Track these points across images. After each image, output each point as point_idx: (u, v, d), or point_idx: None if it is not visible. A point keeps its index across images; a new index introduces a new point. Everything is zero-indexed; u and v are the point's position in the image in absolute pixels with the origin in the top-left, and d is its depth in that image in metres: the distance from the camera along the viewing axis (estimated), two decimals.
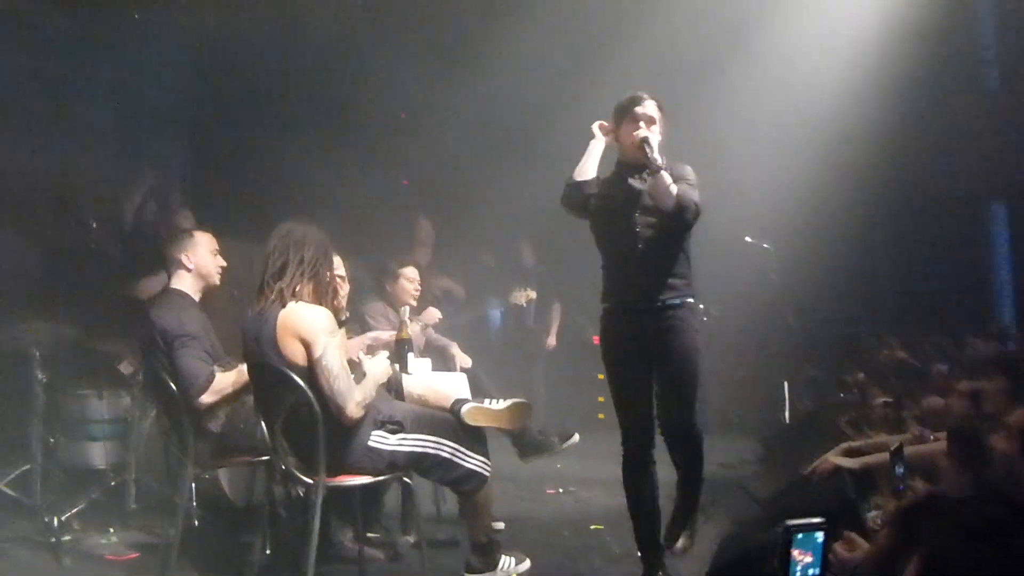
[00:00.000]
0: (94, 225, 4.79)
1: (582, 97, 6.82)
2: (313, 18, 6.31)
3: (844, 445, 3.70)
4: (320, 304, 3.12)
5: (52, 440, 4.44)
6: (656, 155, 3.19)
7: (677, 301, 3.29)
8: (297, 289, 3.08)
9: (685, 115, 6.70)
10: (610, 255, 3.38)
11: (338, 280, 3.51)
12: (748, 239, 6.37)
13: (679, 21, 6.23)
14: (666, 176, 3.17)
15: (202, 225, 4.01)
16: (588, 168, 3.41)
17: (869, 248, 7.41)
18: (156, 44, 6.02)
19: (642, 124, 3.29)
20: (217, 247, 3.87)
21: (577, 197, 3.38)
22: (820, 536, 2.01)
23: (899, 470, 2.90)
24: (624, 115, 3.36)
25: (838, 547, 2.63)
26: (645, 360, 3.33)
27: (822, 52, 6.47)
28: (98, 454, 4.53)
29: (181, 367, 3.51)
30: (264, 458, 3.38)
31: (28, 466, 4.37)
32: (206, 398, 3.48)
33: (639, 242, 3.27)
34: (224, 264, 3.88)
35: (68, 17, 5.61)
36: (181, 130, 6.51)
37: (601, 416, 7.43)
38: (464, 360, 4.68)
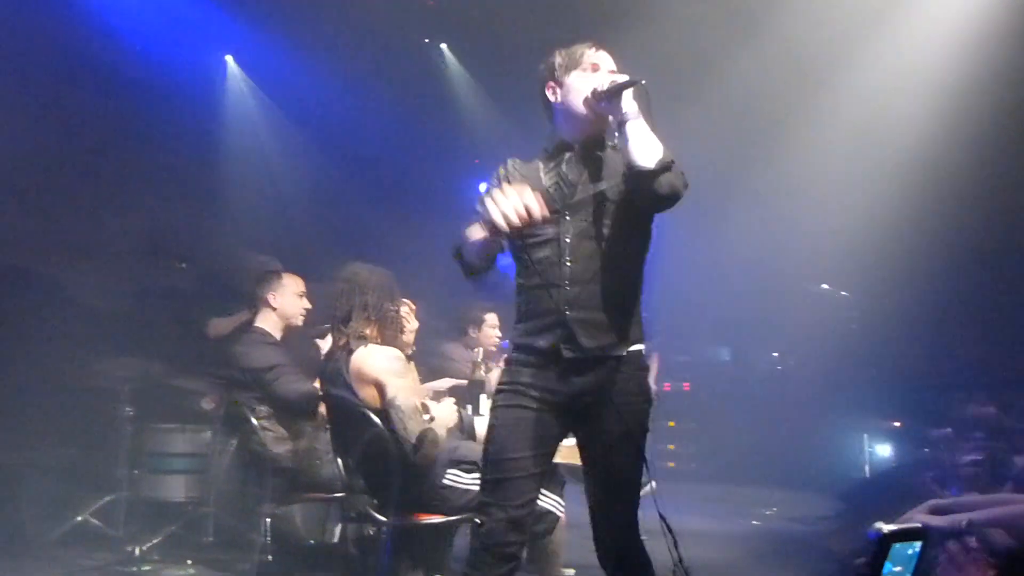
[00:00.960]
0: (183, 266, 4.98)
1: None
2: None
3: (931, 502, 3.55)
4: (389, 344, 3.16)
5: (136, 472, 4.58)
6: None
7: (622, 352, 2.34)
8: (365, 331, 3.13)
9: (762, 160, 6.71)
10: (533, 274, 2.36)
11: (404, 319, 3.55)
12: (825, 286, 6.24)
13: (757, 67, 6.21)
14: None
15: (288, 267, 4.11)
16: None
17: (956, 296, 7.13)
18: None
19: (601, 71, 2.39)
20: (303, 289, 3.98)
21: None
22: (917, 547, 1.82)
23: (971, 542, 2.75)
24: (573, 67, 2.40)
25: None
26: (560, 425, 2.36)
27: (900, 94, 6.34)
28: (178, 487, 4.66)
29: (284, 393, 3.61)
30: (338, 495, 3.42)
31: (112, 497, 4.52)
32: (321, 410, 3.53)
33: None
34: (309, 307, 3.99)
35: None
36: (263, 177, 6.74)
37: (671, 464, 7.33)
38: None
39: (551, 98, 2.42)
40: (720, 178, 7.30)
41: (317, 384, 3.60)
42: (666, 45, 6.12)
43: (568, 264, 2.30)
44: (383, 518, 3.09)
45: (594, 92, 2.32)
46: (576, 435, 2.40)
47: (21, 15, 4.87)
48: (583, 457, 2.41)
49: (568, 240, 2.32)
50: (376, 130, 6.59)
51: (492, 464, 2.31)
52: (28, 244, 4.90)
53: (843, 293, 6.18)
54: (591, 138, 2.41)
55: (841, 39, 6.08)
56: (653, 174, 2.21)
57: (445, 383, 4.02)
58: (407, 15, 6.33)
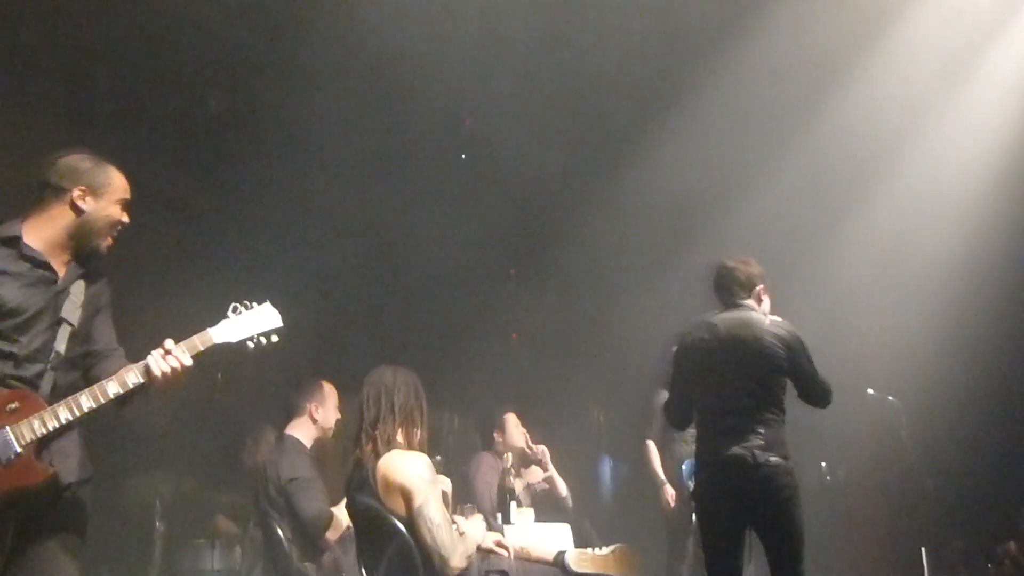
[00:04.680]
0: (220, 377, 5.02)
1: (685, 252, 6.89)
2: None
3: None
4: (415, 449, 3.10)
5: None
6: None
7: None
8: (391, 436, 3.08)
9: (806, 263, 6.67)
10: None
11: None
12: (870, 391, 6.02)
13: (803, 166, 6.25)
14: None
15: (328, 378, 4.11)
16: None
17: (1014, 401, 6.82)
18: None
19: None
20: (339, 401, 3.98)
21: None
22: None
23: None
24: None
25: None
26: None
27: (950, 194, 6.30)
28: None
29: (301, 507, 3.55)
30: None
31: None
32: (331, 534, 3.48)
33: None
34: (340, 417, 3.98)
35: (208, 194, 6.14)
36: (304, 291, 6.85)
37: None
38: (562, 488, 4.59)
39: None
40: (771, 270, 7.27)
41: (341, 505, 3.54)
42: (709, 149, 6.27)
43: None
44: None
45: None
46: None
47: None
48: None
49: None
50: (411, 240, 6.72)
51: None
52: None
53: (890, 399, 5.93)
54: None
55: (892, 131, 6.13)
56: None
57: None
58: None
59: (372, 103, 5.88)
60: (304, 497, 3.58)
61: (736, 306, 3.50)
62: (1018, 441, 6.84)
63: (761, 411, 3.29)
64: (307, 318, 6.72)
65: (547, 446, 5.51)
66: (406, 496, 2.97)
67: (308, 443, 3.88)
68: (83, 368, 2.49)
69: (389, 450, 3.04)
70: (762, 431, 3.26)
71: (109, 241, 2.56)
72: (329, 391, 3.97)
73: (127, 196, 2.60)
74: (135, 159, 5.47)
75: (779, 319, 3.52)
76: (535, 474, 4.74)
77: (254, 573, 4.50)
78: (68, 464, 2.34)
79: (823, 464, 8.48)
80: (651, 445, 5.53)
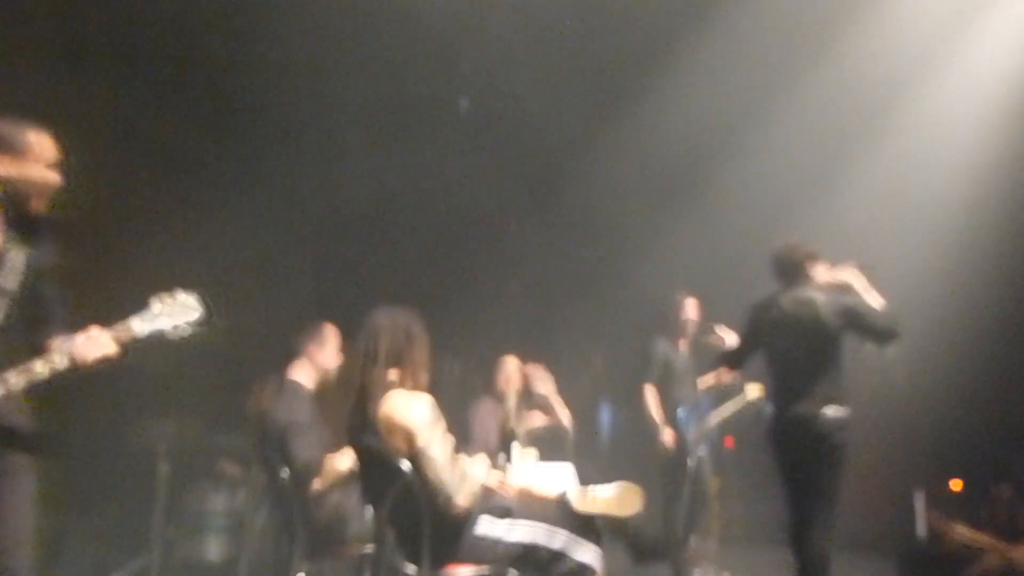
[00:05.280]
0: (222, 324, 5.01)
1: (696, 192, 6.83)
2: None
3: None
4: (417, 390, 3.10)
5: (170, 531, 4.55)
6: None
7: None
8: (383, 379, 3.08)
9: (811, 216, 6.64)
10: None
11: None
12: None
13: (820, 94, 6.19)
14: None
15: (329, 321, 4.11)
16: None
17: (1011, 345, 6.83)
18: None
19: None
20: (340, 344, 3.99)
21: None
22: None
23: None
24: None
25: None
26: None
27: (958, 137, 6.24)
28: (213, 547, 4.62)
29: (293, 454, 3.57)
30: (370, 549, 3.35)
31: (146, 557, 4.49)
32: (318, 484, 3.52)
33: None
34: (342, 360, 3.99)
35: (207, 140, 6.08)
36: (307, 236, 6.85)
37: (716, 526, 7.08)
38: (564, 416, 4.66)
39: None
40: (772, 230, 7.24)
41: (340, 453, 3.58)
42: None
43: None
44: (414, 570, 3.01)
45: None
46: None
47: None
48: None
49: None
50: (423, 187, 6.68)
51: None
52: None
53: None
54: None
55: (901, 73, 6.07)
56: None
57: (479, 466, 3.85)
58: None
59: (373, 47, 5.80)
60: (296, 443, 3.60)
61: (795, 286, 4.06)
62: (1014, 385, 6.89)
63: (819, 374, 3.85)
64: (310, 263, 6.75)
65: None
66: (408, 437, 2.98)
67: (310, 385, 3.89)
68: (26, 335, 2.58)
69: (386, 392, 3.05)
70: (819, 390, 3.82)
71: (45, 204, 2.60)
72: (330, 333, 3.97)
73: (54, 157, 2.61)
74: (132, 105, 5.45)
75: (831, 294, 4.01)
76: (536, 418, 4.79)
77: (258, 515, 4.56)
78: (20, 421, 2.52)
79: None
80: (650, 389, 5.62)
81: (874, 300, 3.93)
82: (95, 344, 2.49)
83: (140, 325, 2.61)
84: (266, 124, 6.16)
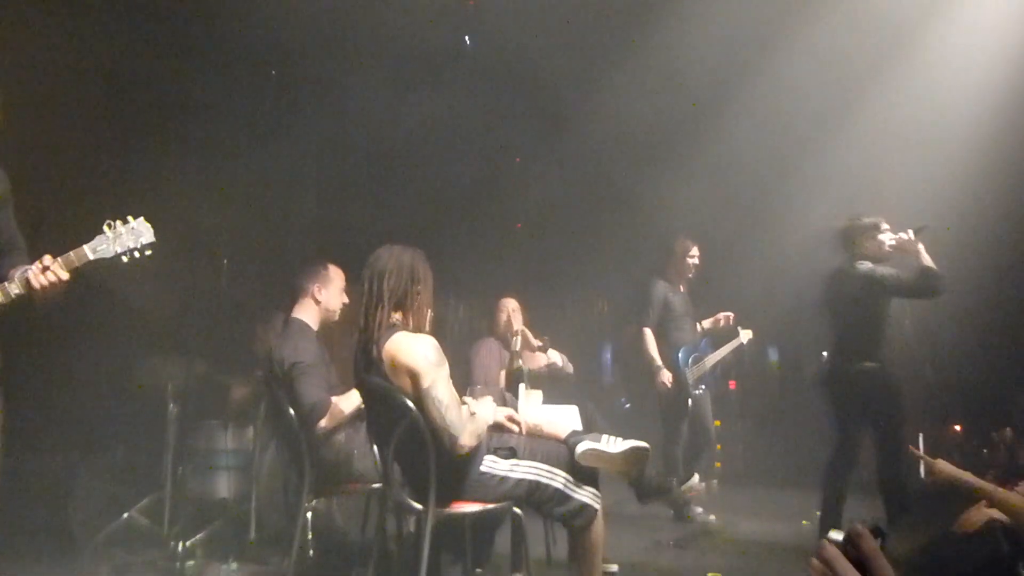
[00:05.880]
0: (225, 262, 5.02)
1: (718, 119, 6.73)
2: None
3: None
4: (419, 330, 3.10)
5: (180, 469, 4.61)
6: None
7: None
8: (384, 320, 3.06)
9: (815, 153, 6.56)
10: None
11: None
12: None
13: (833, 26, 6.08)
14: None
15: (333, 260, 4.10)
16: None
17: (1013, 292, 6.80)
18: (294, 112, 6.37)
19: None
20: (344, 283, 3.98)
21: None
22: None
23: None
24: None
25: None
26: None
27: (974, 72, 6.14)
28: (222, 484, 4.68)
29: (300, 394, 3.59)
30: (377, 485, 3.39)
31: (158, 494, 4.57)
32: (324, 424, 3.55)
33: None
34: (347, 301, 3.99)
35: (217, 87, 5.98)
36: (305, 176, 6.80)
37: (718, 465, 7.18)
38: (567, 366, 4.71)
39: None
40: (771, 172, 7.17)
41: (348, 394, 3.60)
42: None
43: None
44: (419, 507, 3.05)
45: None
46: None
47: None
48: None
49: None
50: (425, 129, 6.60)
51: None
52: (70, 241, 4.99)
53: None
54: None
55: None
56: None
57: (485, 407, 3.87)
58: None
59: None
60: (302, 383, 3.61)
61: (852, 257, 4.60)
62: (1016, 329, 6.89)
63: (866, 335, 4.58)
64: (312, 203, 6.72)
65: (550, 333, 5.60)
66: (413, 378, 2.98)
67: (314, 325, 3.90)
68: None
69: (390, 333, 3.03)
70: (866, 349, 4.56)
71: None
72: (334, 273, 3.96)
73: None
74: (129, 44, 5.35)
75: (877, 266, 4.54)
76: (538, 359, 4.81)
77: (266, 452, 4.62)
78: None
79: (823, 354, 8.62)
80: (648, 332, 5.70)
81: (926, 261, 4.44)
82: (49, 273, 2.61)
83: (91, 251, 2.72)
84: (267, 66, 6.07)
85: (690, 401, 5.69)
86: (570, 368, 4.93)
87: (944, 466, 3.11)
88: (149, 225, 2.81)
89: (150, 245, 2.81)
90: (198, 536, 4.39)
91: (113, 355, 5.03)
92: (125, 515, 4.54)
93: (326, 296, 3.90)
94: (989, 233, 6.26)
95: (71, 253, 2.70)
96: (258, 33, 5.74)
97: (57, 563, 4.25)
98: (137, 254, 2.79)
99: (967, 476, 3.03)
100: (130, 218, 2.79)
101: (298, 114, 6.32)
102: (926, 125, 6.32)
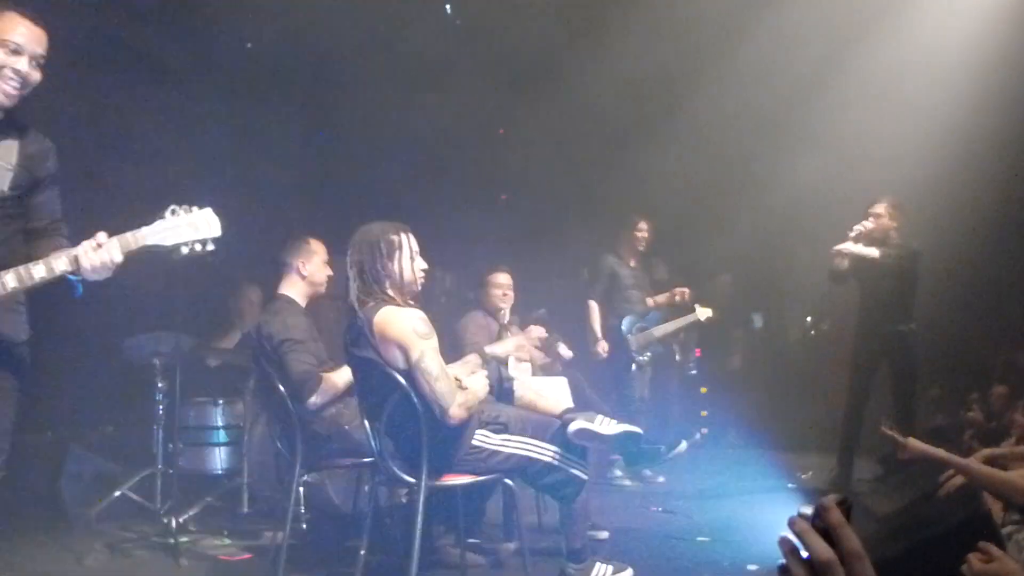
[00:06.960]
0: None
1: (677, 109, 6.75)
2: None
3: (984, 452, 3.47)
4: (402, 304, 3.10)
5: (172, 446, 4.62)
6: None
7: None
8: (375, 291, 3.07)
9: (797, 118, 6.57)
10: None
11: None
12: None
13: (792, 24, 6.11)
14: None
15: (314, 234, 4.08)
16: None
17: (998, 250, 6.84)
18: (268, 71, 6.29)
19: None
20: (327, 256, 3.97)
21: None
22: None
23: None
24: None
25: (974, 559, 2.45)
26: None
27: (958, 36, 6.16)
28: (214, 459, 4.71)
29: (289, 370, 3.60)
30: (367, 460, 3.41)
31: (150, 471, 4.58)
32: (315, 399, 3.55)
33: None
34: (331, 274, 3.98)
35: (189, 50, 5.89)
36: (290, 149, 6.74)
37: (705, 431, 7.27)
38: (566, 352, 4.80)
39: None
40: (752, 136, 7.18)
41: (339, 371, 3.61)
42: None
43: None
44: (412, 480, 3.08)
45: None
46: None
47: None
48: None
49: None
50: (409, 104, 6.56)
51: None
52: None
53: (874, 250, 5.94)
54: None
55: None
56: None
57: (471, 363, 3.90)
58: None
59: None
60: (292, 359, 3.61)
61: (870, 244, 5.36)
62: (995, 288, 6.97)
63: (895, 304, 5.45)
64: (295, 177, 6.66)
65: (535, 303, 5.66)
66: (403, 350, 3.00)
67: (302, 301, 3.89)
68: (23, 241, 2.50)
69: (378, 307, 3.03)
70: (892, 314, 5.43)
71: (6, 89, 2.41)
72: (316, 247, 3.94)
73: (12, 37, 2.38)
74: (112, 16, 5.26)
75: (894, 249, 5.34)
76: (531, 333, 4.82)
77: (256, 427, 4.63)
78: (10, 325, 2.49)
79: (808, 319, 8.76)
80: (593, 305, 6.08)
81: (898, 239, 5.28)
82: (101, 251, 2.32)
83: (153, 235, 2.41)
84: (248, 37, 5.99)
85: (634, 366, 5.96)
86: (570, 354, 5.04)
87: (915, 444, 3.18)
88: (217, 218, 2.48)
89: (214, 240, 2.48)
90: (191, 512, 4.41)
91: (100, 330, 5.00)
92: (117, 492, 4.55)
93: (310, 270, 3.89)
94: (970, 195, 6.31)
95: (128, 234, 2.36)
96: (247, 18, 5.70)
97: (50, 540, 4.27)
98: (199, 247, 2.45)
99: (938, 452, 3.10)
100: (195, 208, 2.46)
101: (282, 87, 6.25)
102: (910, 89, 6.35)
